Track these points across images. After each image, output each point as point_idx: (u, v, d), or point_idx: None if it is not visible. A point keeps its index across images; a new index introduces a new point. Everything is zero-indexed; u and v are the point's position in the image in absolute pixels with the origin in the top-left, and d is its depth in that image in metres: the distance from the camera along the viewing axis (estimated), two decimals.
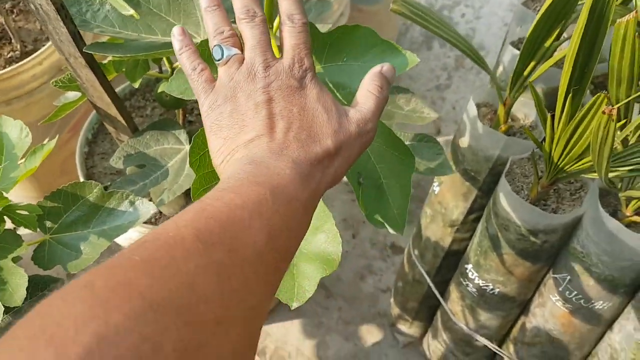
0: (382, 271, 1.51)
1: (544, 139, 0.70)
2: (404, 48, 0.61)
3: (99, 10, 0.72)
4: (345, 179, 0.54)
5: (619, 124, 0.60)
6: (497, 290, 0.89)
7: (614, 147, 0.65)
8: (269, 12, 0.67)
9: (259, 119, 0.43)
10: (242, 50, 0.47)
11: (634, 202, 0.71)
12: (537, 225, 0.76)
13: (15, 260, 0.67)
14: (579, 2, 0.68)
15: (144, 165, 0.85)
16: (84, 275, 0.28)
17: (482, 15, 2.08)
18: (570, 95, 0.59)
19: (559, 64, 0.83)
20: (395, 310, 1.28)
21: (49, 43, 1.25)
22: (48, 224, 0.71)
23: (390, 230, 0.62)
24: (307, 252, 0.60)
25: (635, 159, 0.64)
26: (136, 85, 0.77)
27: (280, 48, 0.48)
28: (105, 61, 0.78)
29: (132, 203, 0.73)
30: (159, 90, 0.84)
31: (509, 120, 0.86)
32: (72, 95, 0.82)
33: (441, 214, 0.98)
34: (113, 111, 0.78)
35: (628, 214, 0.72)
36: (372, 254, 1.55)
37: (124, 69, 0.77)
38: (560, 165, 0.67)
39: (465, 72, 1.93)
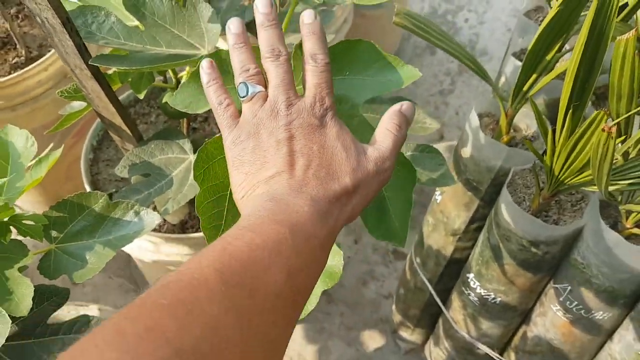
0: (385, 277, 1.52)
1: (545, 151, 0.70)
2: (407, 53, 0.62)
3: (105, 22, 0.73)
4: None
5: (618, 140, 0.60)
6: (499, 299, 0.90)
7: (615, 160, 0.65)
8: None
9: (280, 156, 0.45)
10: (266, 87, 0.48)
11: (634, 214, 0.72)
12: (538, 236, 0.77)
13: (21, 269, 0.68)
14: (582, 13, 0.69)
15: (148, 174, 0.86)
16: (115, 318, 0.30)
17: (486, 21, 2.09)
18: (570, 110, 0.60)
19: (561, 76, 0.83)
20: (397, 317, 1.29)
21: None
22: (54, 233, 0.72)
23: (393, 243, 0.63)
24: None
25: (635, 173, 0.65)
26: (141, 96, 0.78)
27: (302, 84, 0.49)
28: (110, 72, 0.79)
29: (137, 213, 0.73)
30: (164, 101, 0.85)
31: (511, 130, 0.87)
32: (78, 104, 0.83)
33: (443, 222, 0.99)
34: (118, 121, 0.79)
35: (628, 226, 0.73)
36: (374, 259, 1.55)
37: (129, 80, 0.78)
38: (561, 178, 0.68)
39: (468, 78, 1.94)
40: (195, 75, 0.57)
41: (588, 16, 0.56)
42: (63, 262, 0.71)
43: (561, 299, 0.82)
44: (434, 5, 2.13)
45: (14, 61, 1.31)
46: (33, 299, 0.65)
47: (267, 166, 0.45)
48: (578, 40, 0.58)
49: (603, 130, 0.52)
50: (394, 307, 1.32)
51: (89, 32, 0.71)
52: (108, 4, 0.84)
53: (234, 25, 0.49)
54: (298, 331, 1.42)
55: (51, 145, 1.31)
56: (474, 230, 0.95)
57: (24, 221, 0.70)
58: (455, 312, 1.03)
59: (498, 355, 1.00)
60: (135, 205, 0.74)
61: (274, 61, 0.47)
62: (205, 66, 0.50)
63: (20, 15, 1.45)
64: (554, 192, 0.73)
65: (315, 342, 1.41)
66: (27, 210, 1.50)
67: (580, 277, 0.78)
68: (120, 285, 1.50)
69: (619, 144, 0.69)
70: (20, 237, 0.71)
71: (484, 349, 1.01)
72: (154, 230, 0.97)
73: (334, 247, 0.60)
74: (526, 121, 0.88)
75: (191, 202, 0.95)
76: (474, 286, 0.92)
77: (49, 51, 1.32)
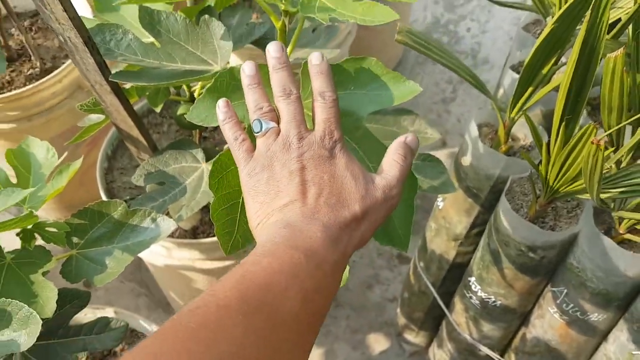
0: (389, 281, 1.55)
1: (541, 161, 0.74)
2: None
3: (122, 39, 0.77)
4: None
5: (609, 151, 0.64)
6: (499, 302, 0.94)
7: (608, 169, 0.69)
8: (282, 39, 0.72)
9: (293, 186, 0.48)
10: (278, 123, 0.52)
11: (626, 220, 0.76)
12: (535, 242, 0.81)
13: (45, 274, 0.72)
14: (578, 27, 0.73)
15: (163, 183, 0.90)
16: (152, 340, 0.35)
17: (488, 30, 2.13)
18: (563, 123, 0.64)
19: (557, 89, 0.87)
20: (402, 320, 1.32)
21: (69, 61, 1.29)
22: (75, 239, 0.76)
23: (396, 248, 0.66)
24: None
25: (626, 181, 0.68)
26: (158, 109, 0.82)
27: (312, 119, 0.53)
28: (127, 86, 0.83)
29: (153, 220, 0.77)
30: (178, 113, 0.88)
31: (510, 140, 0.91)
32: (96, 117, 0.87)
33: (445, 228, 1.03)
34: (135, 133, 0.83)
35: (621, 231, 0.76)
36: (379, 263, 1.59)
37: (147, 93, 0.82)
38: (556, 187, 0.72)
39: (469, 86, 1.97)
40: (210, 92, 0.61)
41: (579, 35, 0.60)
42: (84, 267, 0.75)
43: (558, 301, 0.86)
44: (436, 15, 2.17)
45: (28, 72, 1.36)
46: (56, 301, 0.69)
47: (281, 195, 0.48)
48: (570, 57, 0.62)
49: (592, 143, 0.55)
50: (398, 310, 1.35)
51: (107, 49, 0.75)
52: (125, 21, 0.88)
53: (247, 67, 0.53)
54: None
55: (66, 153, 1.35)
56: (475, 235, 0.99)
57: (47, 228, 0.74)
58: (458, 315, 1.06)
59: (499, 357, 1.04)
60: (152, 213, 0.78)
61: (286, 99, 0.51)
62: (221, 105, 0.54)
63: (34, 28, 1.49)
64: (549, 200, 0.76)
65: (322, 345, 1.44)
66: (42, 215, 1.54)
67: (575, 280, 0.81)
68: (132, 289, 1.54)
69: (612, 153, 0.73)
70: (43, 243, 0.75)
71: (485, 350, 1.04)
72: (169, 236, 1.01)
73: None
74: (524, 131, 0.92)
75: (202, 209, 0.99)
76: (475, 289, 0.96)
77: (63, 63, 1.36)
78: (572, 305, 0.84)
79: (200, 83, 0.89)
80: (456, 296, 1.06)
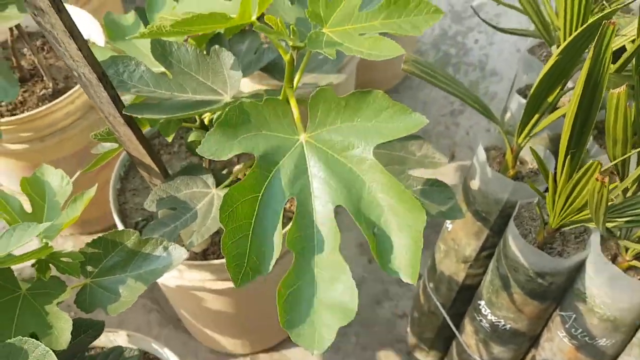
0: (399, 296, 1.56)
1: (547, 189, 0.75)
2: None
3: (135, 71, 0.78)
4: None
5: (612, 185, 0.65)
6: (509, 326, 0.94)
7: (615, 197, 0.70)
8: (290, 74, 0.73)
9: None
10: None
11: (632, 248, 0.76)
12: (543, 268, 0.81)
13: (59, 304, 0.73)
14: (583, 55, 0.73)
15: (175, 208, 0.91)
16: None
17: (495, 42, 2.13)
18: (569, 156, 0.65)
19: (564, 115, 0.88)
20: (413, 340, 1.33)
21: None
22: (89, 268, 0.77)
23: (404, 279, 0.67)
24: (327, 301, 0.64)
25: (632, 211, 0.69)
26: (170, 139, 0.84)
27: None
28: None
29: (165, 248, 0.79)
30: (189, 140, 0.90)
31: (518, 163, 0.92)
32: (109, 145, 0.89)
33: (454, 250, 1.03)
34: (147, 160, 0.85)
35: (628, 259, 0.77)
36: (388, 279, 1.59)
37: (159, 123, 0.83)
38: (563, 216, 0.72)
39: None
40: (220, 126, 0.62)
41: (583, 70, 0.61)
42: (98, 296, 0.76)
43: (567, 326, 0.87)
44: (443, 27, 2.18)
45: (41, 93, 1.38)
46: (71, 332, 0.71)
47: None
48: (574, 92, 0.62)
49: (597, 179, 0.56)
50: (408, 329, 1.36)
51: (121, 81, 0.77)
52: (136, 49, 0.90)
53: None
54: None
55: (78, 172, 1.37)
56: (485, 257, 1.00)
57: (62, 258, 0.75)
58: (468, 337, 1.07)
59: None
60: (164, 241, 0.79)
61: None
62: None
63: (46, 47, 1.51)
64: (557, 227, 0.77)
65: None
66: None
67: (583, 306, 0.82)
68: (144, 305, 1.56)
69: (618, 182, 0.73)
70: (58, 273, 0.77)
71: None
72: None
73: (350, 284, 0.64)
74: (532, 154, 0.92)
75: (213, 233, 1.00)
76: (485, 313, 0.96)
77: (75, 83, 1.38)
78: (580, 330, 0.84)
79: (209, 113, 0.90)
80: (466, 318, 1.07)
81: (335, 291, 0.64)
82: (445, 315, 1.09)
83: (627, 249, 0.77)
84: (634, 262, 0.76)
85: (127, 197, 1.16)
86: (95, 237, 0.79)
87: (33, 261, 0.74)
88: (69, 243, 1.65)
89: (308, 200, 0.64)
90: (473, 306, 1.02)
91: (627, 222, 0.68)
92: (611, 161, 0.68)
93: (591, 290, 0.79)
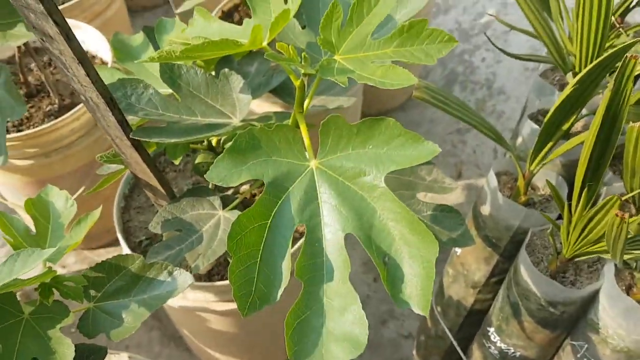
0: (404, 317, 1.54)
1: (561, 217, 0.73)
2: None
3: (143, 94, 0.77)
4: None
5: (632, 219, 0.63)
6: (519, 353, 0.93)
7: (630, 231, 0.68)
8: (300, 99, 0.72)
9: None
10: None
11: None
12: (555, 297, 0.80)
13: (61, 328, 0.72)
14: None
15: (180, 230, 0.90)
16: None
17: (503, 59, 2.12)
18: (585, 189, 0.63)
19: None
20: None
21: None
22: (92, 292, 0.76)
23: (415, 310, 0.65)
24: (336, 332, 0.63)
25: None
26: (177, 162, 0.83)
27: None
28: None
29: (170, 273, 0.77)
30: (196, 162, 0.89)
31: (529, 189, 0.90)
32: (114, 166, 0.88)
33: (463, 275, 1.02)
34: (154, 182, 0.84)
35: None
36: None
37: (166, 145, 0.82)
38: (578, 247, 0.71)
39: (485, 117, 1.97)
40: (229, 152, 0.61)
41: (602, 104, 0.59)
42: (101, 321, 0.75)
43: (578, 355, 0.85)
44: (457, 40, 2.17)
45: (47, 109, 1.37)
46: (74, 358, 0.69)
47: None
48: (592, 124, 0.61)
49: (617, 215, 0.55)
50: (414, 351, 1.34)
51: (129, 104, 0.76)
52: (144, 70, 0.89)
53: None
54: None
55: (81, 190, 1.36)
56: (494, 283, 0.98)
57: (65, 282, 0.74)
58: None
59: None
60: (169, 266, 0.78)
61: None
62: None
63: (52, 63, 1.51)
64: (571, 257, 0.75)
65: None
66: None
67: (596, 336, 0.80)
68: (145, 322, 1.54)
69: (634, 212, 0.72)
70: (61, 298, 0.75)
71: None
72: None
73: (360, 315, 0.63)
74: (544, 180, 0.91)
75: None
76: (495, 340, 0.95)
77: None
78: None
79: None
80: (474, 344, 1.05)
81: (345, 322, 0.63)
82: (453, 340, 1.08)
83: None
84: None
85: (132, 215, 1.15)
86: (97, 251, 0.78)
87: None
88: (71, 258, 1.64)
89: (318, 228, 0.63)
90: (482, 332, 1.00)
91: None
92: (627, 192, 0.67)
93: (605, 321, 0.78)
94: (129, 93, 0.77)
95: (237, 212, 0.86)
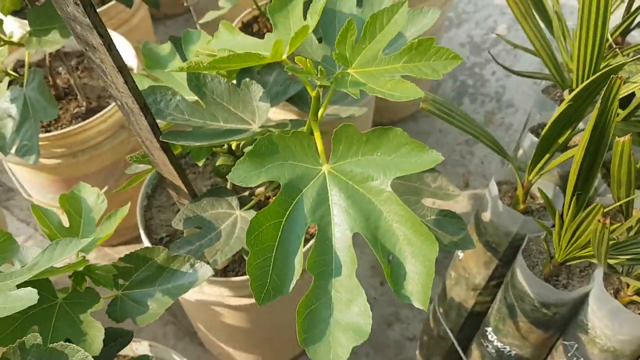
0: (409, 319, 1.60)
1: (554, 225, 0.79)
2: None
3: (171, 100, 0.84)
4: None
5: (613, 226, 0.69)
6: (514, 352, 0.98)
7: (620, 235, 0.74)
8: (315, 108, 0.78)
9: None
10: None
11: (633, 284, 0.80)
12: (548, 299, 0.85)
13: (92, 313, 0.79)
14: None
15: (200, 227, 0.96)
16: None
17: (512, 74, 2.18)
18: (575, 197, 0.69)
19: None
20: None
21: (114, 102, 1.38)
22: (120, 281, 0.83)
23: (415, 305, 0.71)
24: (342, 322, 0.69)
25: (634, 249, 0.73)
26: (200, 164, 0.89)
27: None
28: None
29: (192, 265, 0.84)
30: (217, 164, 0.95)
31: (528, 198, 0.96)
32: (142, 166, 0.94)
33: (465, 278, 1.07)
34: (178, 182, 0.90)
35: (629, 293, 0.81)
36: (400, 302, 1.63)
37: (191, 148, 0.89)
38: (568, 251, 0.77)
39: (494, 128, 2.02)
40: (250, 155, 0.67)
41: (590, 120, 0.65)
42: (128, 307, 0.81)
43: (569, 354, 0.90)
44: (462, 58, 2.23)
45: (75, 111, 1.44)
46: (103, 340, 0.76)
47: None
48: (582, 138, 0.67)
49: (599, 221, 0.61)
50: (417, 352, 1.40)
51: (158, 109, 0.83)
52: (172, 78, 0.96)
53: None
54: None
55: (106, 187, 1.43)
56: (493, 286, 1.04)
57: (96, 271, 0.81)
58: None
59: None
60: (191, 259, 0.84)
61: None
62: None
63: (80, 67, 1.58)
64: (562, 261, 0.81)
65: None
66: None
67: (585, 336, 0.86)
68: (161, 317, 1.60)
69: (623, 220, 0.77)
70: (92, 285, 0.82)
71: None
72: None
73: (364, 307, 0.69)
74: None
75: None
76: (492, 339, 1.00)
77: (107, 102, 1.45)
78: (582, 359, 0.88)
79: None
80: (473, 343, 1.11)
81: (351, 313, 0.68)
82: (454, 340, 1.13)
83: (628, 285, 0.81)
84: (635, 297, 0.80)
85: (153, 213, 1.21)
86: (117, 248, 0.84)
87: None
88: (92, 254, 1.71)
89: (328, 227, 0.68)
90: (480, 332, 1.06)
91: (629, 259, 0.73)
92: (616, 202, 0.73)
93: (593, 322, 0.83)
94: (158, 99, 0.83)
95: (253, 212, 0.92)
